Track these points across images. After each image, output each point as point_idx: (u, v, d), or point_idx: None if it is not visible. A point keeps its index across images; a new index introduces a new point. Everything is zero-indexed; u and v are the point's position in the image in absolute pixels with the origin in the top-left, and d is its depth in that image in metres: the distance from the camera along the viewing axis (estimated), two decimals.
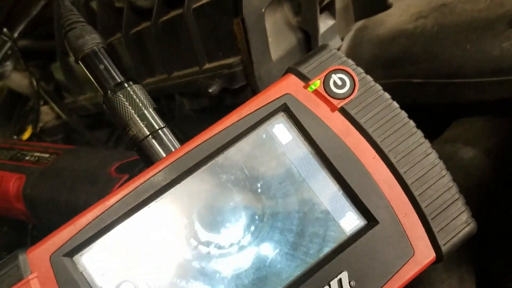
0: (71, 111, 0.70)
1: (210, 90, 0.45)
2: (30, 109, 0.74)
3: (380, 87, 0.35)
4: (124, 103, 0.35)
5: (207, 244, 0.32)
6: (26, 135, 0.70)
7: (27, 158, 0.53)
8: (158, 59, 0.53)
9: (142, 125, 0.35)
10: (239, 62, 0.45)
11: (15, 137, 0.71)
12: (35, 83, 0.70)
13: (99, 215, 0.31)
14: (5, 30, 0.66)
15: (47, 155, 0.52)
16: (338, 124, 0.34)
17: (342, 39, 0.55)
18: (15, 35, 0.66)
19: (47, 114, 0.73)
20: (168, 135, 0.36)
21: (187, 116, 0.54)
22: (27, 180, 0.50)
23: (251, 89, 0.46)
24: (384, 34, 0.57)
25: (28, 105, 0.76)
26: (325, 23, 0.51)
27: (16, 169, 0.52)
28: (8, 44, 0.63)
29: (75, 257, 0.31)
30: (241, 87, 0.47)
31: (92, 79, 0.36)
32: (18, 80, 0.77)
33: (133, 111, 0.35)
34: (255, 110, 0.34)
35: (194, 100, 0.54)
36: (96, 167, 0.46)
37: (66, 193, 0.45)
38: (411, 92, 0.55)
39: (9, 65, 0.69)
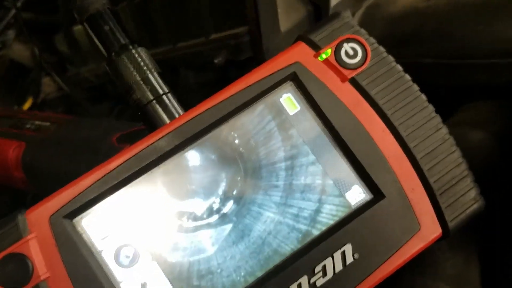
0: (73, 83, 0.69)
1: (215, 61, 0.45)
2: (31, 80, 0.74)
3: (393, 59, 0.34)
4: (128, 66, 0.34)
5: (208, 211, 0.32)
6: (27, 106, 0.69)
7: (28, 126, 0.52)
8: (163, 29, 0.52)
9: (146, 89, 0.34)
10: (246, 32, 0.44)
11: (15, 107, 0.71)
12: (37, 53, 0.69)
13: (101, 178, 0.30)
14: None
15: (48, 124, 0.51)
16: (348, 95, 0.33)
17: (353, 15, 0.54)
18: (18, 4, 0.64)
19: (48, 85, 0.72)
20: (172, 100, 0.35)
21: (191, 89, 0.53)
22: (26, 147, 0.49)
23: (256, 62, 0.45)
24: (395, 13, 0.56)
25: (29, 76, 0.75)
26: None
27: (16, 137, 0.51)
28: (12, 12, 0.61)
29: (75, 220, 0.30)
30: (246, 60, 0.46)
31: (96, 40, 0.35)
32: (20, 51, 0.76)
33: (137, 75, 0.34)
34: (262, 78, 0.33)
35: (198, 73, 0.53)
36: (98, 137, 0.45)
37: (66, 162, 0.44)
38: (420, 72, 0.53)
39: (11, 34, 0.68)
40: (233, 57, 0.45)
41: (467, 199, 0.32)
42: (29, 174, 0.49)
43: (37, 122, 0.52)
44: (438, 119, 0.33)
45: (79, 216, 0.30)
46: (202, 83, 0.53)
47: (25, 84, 0.73)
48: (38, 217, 0.29)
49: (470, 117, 0.52)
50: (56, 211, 0.29)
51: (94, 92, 0.70)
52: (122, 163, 0.31)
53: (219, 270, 0.31)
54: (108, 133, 0.44)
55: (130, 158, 0.31)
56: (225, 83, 0.34)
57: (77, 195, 0.30)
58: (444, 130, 0.33)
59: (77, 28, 0.63)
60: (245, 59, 0.46)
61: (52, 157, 0.47)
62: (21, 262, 0.29)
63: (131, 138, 0.43)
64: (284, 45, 0.45)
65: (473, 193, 0.33)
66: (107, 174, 0.30)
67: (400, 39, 0.55)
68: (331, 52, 0.33)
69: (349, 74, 0.33)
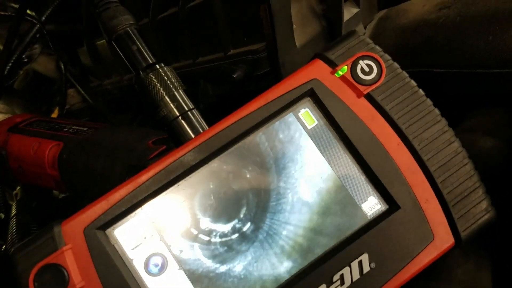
0: (96, 95, 0.72)
1: (234, 76, 0.46)
2: (56, 91, 0.76)
3: (407, 75, 0.35)
4: (155, 84, 0.36)
5: (232, 223, 0.33)
6: (54, 116, 0.72)
7: (66, 129, 0.54)
8: (183, 44, 0.54)
9: (173, 106, 0.36)
10: (263, 48, 0.46)
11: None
12: (62, 66, 0.72)
13: (132, 191, 0.32)
14: (33, 13, 0.68)
15: (85, 129, 0.53)
16: (364, 110, 0.34)
17: (365, 27, 0.55)
18: (43, 18, 0.67)
19: (73, 97, 0.75)
20: (197, 116, 0.37)
21: (210, 100, 0.55)
22: (64, 146, 0.51)
23: (274, 76, 0.47)
24: (407, 24, 0.57)
25: (53, 88, 0.78)
26: (349, 11, 0.51)
27: (54, 137, 0.53)
28: (36, 27, 0.64)
29: (108, 231, 0.32)
30: (264, 73, 0.48)
31: (124, 59, 0.37)
32: (45, 63, 0.78)
33: (164, 92, 0.36)
34: (282, 95, 0.35)
35: (217, 86, 0.55)
36: (134, 139, 0.47)
37: (103, 159, 0.46)
38: (432, 82, 0.55)
39: (37, 48, 0.71)
40: (251, 71, 0.47)
41: (479, 210, 0.34)
42: (64, 172, 0.51)
43: (75, 127, 0.55)
44: (451, 132, 0.35)
45: (112, 227, 0.32)
46: (221, 95, 0.55)
47: (50, 95, 0.76)
48: (73, 228, 0.32)
49: (480, 124, 0.53)
50: (90, 223, 0.32)
51: (117, 103, 0.72)
52: (151, 177, 0.33)
53: (242, 281, 0.32)
54: (144, 137, 0.46)
55: (158, 172, 0.33)
56: (243, 96, 0.36)
57: (110, 207, 0.32)
58: (457, 143, 0.35)
59: (100, 42, 0.65)
60: (262, 73, 0.47)
61: (88, 155, 0.48)
62: (58, 272, 0.31)
63: (166, 142, 0.45)
64: (299, 59, 0.47)
65: (484, 204, 0.34)
66: (137, 187, 0.32)
67: (411, 50, 0.56)
68: (347, 69, 0.35)
69: (365, 90, 0.34)
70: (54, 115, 0.72)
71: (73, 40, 0.72)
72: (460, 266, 0.38)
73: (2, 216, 0.66)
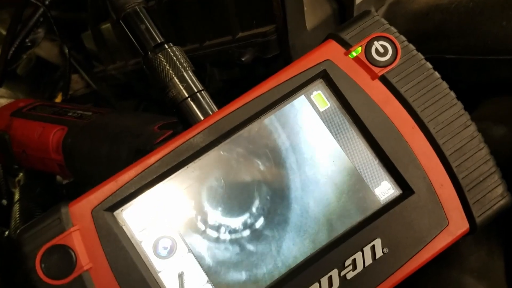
0: (100, 80, 0.71)
1: (243, 59, 0.45)
2: (59, 77, 0.75)
3: (422, 57, 0.34)
4: (164, 64, 0.35)
5: (242, 206, 0.33)
6: (58, 100, 0.71)
7: (70, 114, 0.54)
8: (190, 28, 0.53)
9: (181, 87, 0.35)
10: (273, 30, 0.45)
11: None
12: (66, 51, 0.71)
13: (140, 172, 0.31)
14: None
15: (90, 113, 0.53)
16: (378, 92, 0.34)
17: (376, 12, 0.54)
18: (47, 2, 0.66)
19: (76, 82, 0.74)
20: (206, 98, 0.36)
21: (217, 86, 0.54)
22: (69, 131, 0.50)
23: (283, 59, 0.46)
24: (418, 9, 0.56)
25: (56, 73, 0.77)
26: None
27: (59, 122, 0.52)
28: (41, 10, 0.63)
29: (116, 212, 0.31)
30: (273, 57, 0.47)
31: (132, 39, 0.36)
32: (48, 49, 0.77)
33: (172, 73, 0.35)
34: (293, 76, 0.34)
35: (224, 70, 0.54)
36: (140, 124, 0.46)
37: (108, 144, 0.45)
38: (443, 68, 0.54)
39: (41, 32, 0.70)
40: (260, 55, 0.46)
41: (494, 195, 0.33)
42: (68, 156, 0.50)
43: (79, 111, 0.54)
44: (466, 116, 0.34)
45: (120, 209, 0.31)
46: (228, 80, 0.54)
47: (53, 80, 0.75)
48: (81, 210, 0.31)
49: (492, 112, 0.52)
50: (98, 204, 0.31)
51: (121, 89, 0.72)
52: (160, 159, 0.32)
53: (252, 264, 0.32)
54: (150, 122, 0.45)
55: (167, 153, 0.32)
56: (252, 80, 0.35)
57: (118, 189, 0.31)
58: (473, 127, 0.34)
59: (105, 26, 0.64)
60: (271, 57, 0.46)
61: (93, 139, 0.48)
62: (65, 253, 0.30)
63: (173, 127, 0.44)
64: (310, 42, 0.46)
65: (500, 189, 0.33)
66: (146, 169, 0.32)
67: (423, 35, 0.55)
68: (362, 50, 0.34)
69: (379, 71, 0.34)
70: (58, 100, 0.71)
71: (77, 24, 0.72)
72: (472, 254, 0.38)
73: (5, 202, 0.65)
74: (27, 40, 0.67)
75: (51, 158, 0.52)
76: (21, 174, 0.68)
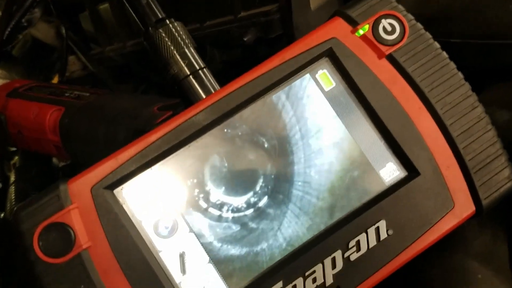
0: (97, 62, 0.70)
1: (245, 39, 0.44)
2: (55, 59, 0.74)
3: (430, 36, 0.34)
4: (165, 40, 0.34)
5: (243, 187, 0.32)
6: (55, 81, 0.70)
7: (67, 94, 0.53)
8: (190, 7, 0.52)
9: (183, 64, 0.34)
10: (276, 9, 0.44)
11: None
12: (63, 31, 0.70)
13: (141, 150, 0.31)
14: None
15: (87, 94, 0.52)
16: (385, 72, 0.33)
17: None
18: None
19: (73, 64, 0.73)
20: (208, 76, 0.35)
21: (217, 68, 0.53)
22: (66, 111, 0.49)
23: (286, 39, 0.45)
24: None
25: (52, 55, 0.75)
26: None
27: (55, 102, 0.51)
28: None
29: (116, 190, 0.31)
30: (276, 37, 0.46)
31: (133, 13, 0.35)
32: (44, 30, 0.76)
33: (174, 49, 0.34)
34: (298, 54, 0.33)
35: (225, 52, 0.53)
36: (139, 105, 0.45)
37: (106, 125, 0.44)
38: (448, 52, 0.53)
39: (37, 12, 0.68)
40: (263, 35, 0.45)
41: (501, 177, 0.32)
42: (65, 137, 0.49)
43: (76, 92, 0.53)
44: (474, 97, 0.33)
45: (120, 187, 0.31)
46: (229, 62, 0.53)
47: (50, 62, 0.74)
48: (80, 187, 0.30)
49: (497, 97, 0.51)
50: (97, 182, 0.30)
51: (118, 71, 0.70)
52: (161, 136, 0.31)
53: (254, 244, 0.31)
54: (149, 103, 0.44)
55: (169, 131, 0.31)
56: (253, 61, 0.34)
57: (118, 166, 0.30)
58: (480, 108, 0.33)
59: (103, 6, 0.63)
60: (274, 37, 0.46)
61: (91, 120, 0.47)
62: (63, 232, 0.29)
63: (172, 108, 0.43)
64: (314, 23, 0.45)
65: (507, 171, 0.33)
66: (147, 147, 0.31)
67: (427, 19, 0.54)
68: (369, 28, 0.33)
69: (387, 50, 0.33)
70: (54, 81, 0.70)
71: (74, 5, 0.70)
72: (476, 238, 0.37)
73: (0, 185, 0.64)
74: (23, 20, 0.66)
75: (48, 139, 0.51)
76: (16, 157, 0.67)
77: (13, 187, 0.58)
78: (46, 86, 0.59)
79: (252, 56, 0.50)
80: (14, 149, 0.66)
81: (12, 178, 0.60)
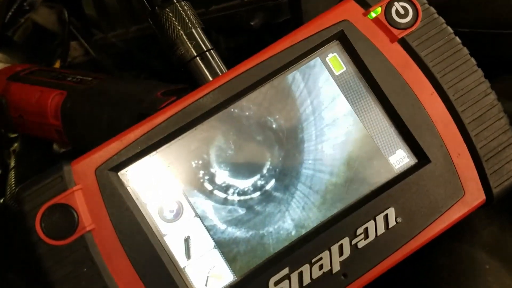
0: (100, 48, 0.69)
1: (252, 23, 0.44)
2: (57, 45, 0.73)
3: (443, 21, 0.33)
4: (172, 20, 0.33)
5: (250, 171, 0.32)
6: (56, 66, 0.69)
7: (69, 78, 0.52)
8: None
9: (190, 45, 0.34)
10: None
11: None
12: (66, 17, 0.69)
13: (147, 132, 0.30)
14: None
15: (90, 78, 0.51)
16: (397, 56, 0.32)
17: None
18: None
19: (75, 49, 0.72)
20: (216, 57, 0.34)
21: (222, 54, 0.52)
22: (68, 95, 0.48)
23: (294, 24, 0.44)
24: None
25: (54, 41, 0.75)
26: None
27: (57, 86, 0.50)
28: None
29: (121, 172, 0.30)
30: (283, 22, 0.45)
31: None
32: (46, 16, 0.75)
33: (181, 29, 0.33)
34: (308, 37, 0.32)
35: (231, 38, 0.52)
36: (143, 90, 0.44)
37: (109, 109, 0.43)
38: None
39: None
40: (270, 19, 0.44)
41: None
42: (67, 122, 0.48)
43: (78, 76, 0.52)
44: (487, 84, 0.33)
45: (125, 170, 0.30)
46: (234, 49, 0.52)
47: (52, 48, 0.73)
48: (84, 168, 0.29)
49: (504, 89, 0.51)
50: (102, 164, 0.29)
51: (120, 58, 0.70)
52: (167, 119, 0.30)
53: (260, 228, 0.31)
54: (153, 88, 0.43)
55: (175, 113, 0.31)
56: (260, 48, 0.33)
57: (123, 148, 0.30)
58: (493, 96, 0.33)
59: None
60: (281, 23, 0.45)
61: (93, 105, 0.46)
62: (67, 213, 0.29)
63: (176, 93, 0.42)
64: (323, 7, 0.44)
65: None
66: (153, 128, 0.30)
67: (436, 8, 0.53)
68: (381, 11, 0.32)
69: (399, 34, 0.32)
70: (57, 66, 0.69)
71: None
72: (484, 228, 0.37)
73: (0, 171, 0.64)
74: (25, 4, 0.65)
75: (49, 123, 0.50)
76: (16, 144, 0.67)
77: (13, 173, 0.57)
78: (48, 70, 0.58)
79: (258, 43, 0.49)
80: (14, 135, 0.65)
81: (12, 163, 0.59)
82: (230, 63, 0.53)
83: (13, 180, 0.55)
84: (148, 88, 0.46)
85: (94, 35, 0.70)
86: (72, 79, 0.52)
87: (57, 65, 0.69)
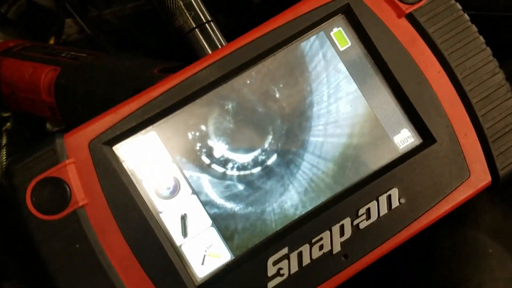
0: (95, 26, 0.67)
1: None
2: (51, 22, 0.71)
3: None
4: None
5: (249, 148, 0.30)
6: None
7: (63, 54, 0.50)
8: None
9: (189, 16, 0.32)
10: None
11: None
12: None
13: (143, 105, 0.29)
14: None
15: (84, 55, 0.49)
16: (404, 32, 0.31)
17: None
18: None
19: (70, 27, 0.70)
20: (216, 30, 0.33)
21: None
22: (62, 71, 0.46)
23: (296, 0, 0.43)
24: None
25: (48, 17, 0.73)
26: None
27: (51, 62, 0.48)
28: None
29: (116, 147, 0.29)
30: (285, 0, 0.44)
31: None
32: None
33: None
34: (313, 9, 0.31)
35: (230, 17, 0.50)
36: (139, 67, 0.43)
37: (104, 85, 0.42)
38: None
39: None
40: None
41: None
42: (60, 98, 0.46)
43: (72, 53, 0.50)
44: (495, 63, 0.32)
45: (120, 143, 0.29)
46: (233, 30, 0.51)
47: (46, 25, 0.71)
48: (77, 141, 0.28)
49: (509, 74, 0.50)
50: (96, 137, 0.28)
51: (116, 36, 0.68)
52: (164, 92, 0.29)
53: (259, 206, 0.30)
54: (150, 65, 0.42)
55: (172, 87, 0.29)
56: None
57: (118, 121, 0.29)
58: (501, 75, 0.32)
59: None
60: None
61: (88, 81, 0.44)
62: (59, 187, 0.28)
63: (174, 71, 0.41)
64: None
65: None
66: (149, 102, 0.29)
67: None
68: None
69: (407, 9, 0.31)
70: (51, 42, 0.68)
71: None
72: (487, 213, 0.36)
73: None
74: None
75: (42, 100, 0.48)
76: (8, 124, 0.65)
77: (4, 150, 0.56)
78: (42, 46, 0.56)
79: (258, 22, 0.47)
80: (6, 114, 0.64)
81: (4, 141, 0.57)
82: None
83: (4, 158, 0.54)
84: (145, 64, 0.44)
85: (90, 12, 0.68)
86: (66, 55, 0.50)
87: (51, 42, 0.67)
